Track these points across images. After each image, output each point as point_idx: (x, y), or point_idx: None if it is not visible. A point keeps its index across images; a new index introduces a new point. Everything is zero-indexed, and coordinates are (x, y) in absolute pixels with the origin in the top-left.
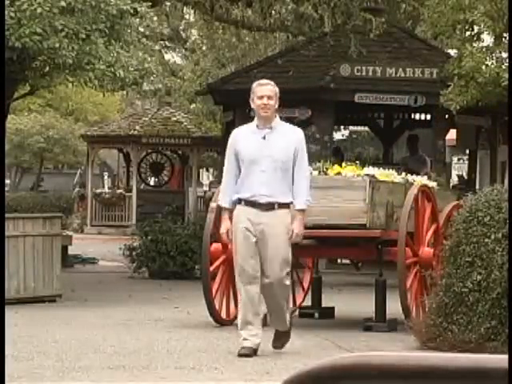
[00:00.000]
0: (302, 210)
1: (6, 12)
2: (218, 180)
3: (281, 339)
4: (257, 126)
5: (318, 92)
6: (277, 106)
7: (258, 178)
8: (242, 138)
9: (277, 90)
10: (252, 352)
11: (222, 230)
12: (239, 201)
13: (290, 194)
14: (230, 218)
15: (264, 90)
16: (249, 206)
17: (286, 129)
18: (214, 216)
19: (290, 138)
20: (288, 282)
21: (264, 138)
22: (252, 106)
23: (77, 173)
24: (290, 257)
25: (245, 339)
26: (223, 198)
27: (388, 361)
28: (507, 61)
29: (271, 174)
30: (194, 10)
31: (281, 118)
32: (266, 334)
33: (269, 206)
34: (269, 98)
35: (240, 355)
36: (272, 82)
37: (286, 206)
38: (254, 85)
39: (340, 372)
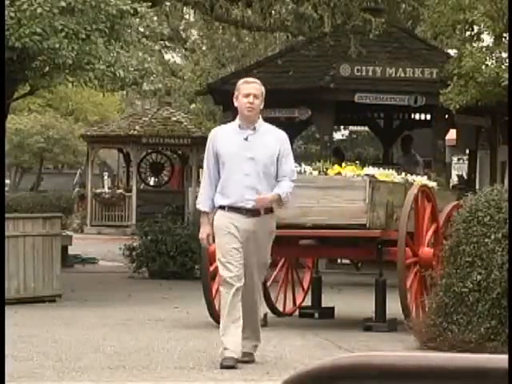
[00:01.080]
0: (279, 196)
1: (6, 12)
2: None
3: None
4: (239, 125)
5: (318, 92)
6: (262, 107)
7: (242, 183)
8: (222, 137)
9: (263, 89)
10: (235, 363)
11: (202, 235)
12: (222, 207)
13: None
14: (210, 223)
15: (250, 88)
16: (233, 211)
17: (269, 131)
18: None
19: (273, 141)
20: (261, 292)
21: (246, 139)
22: (236, 104)
23: (76, 173)
24: (268, 266)
25: (225, 348)
26: (203, 201)
27: (388, 361)
28: (507, 61)
29: (255, 178)
30: (194, 10)
31: (280, 118)
32: (265, 335)
33: (255, 212)
34: (255, 96)
35: (222, 367)
36: (258, 81)
37: (271, 210)
38: (240, 82)
39: (340, 372)
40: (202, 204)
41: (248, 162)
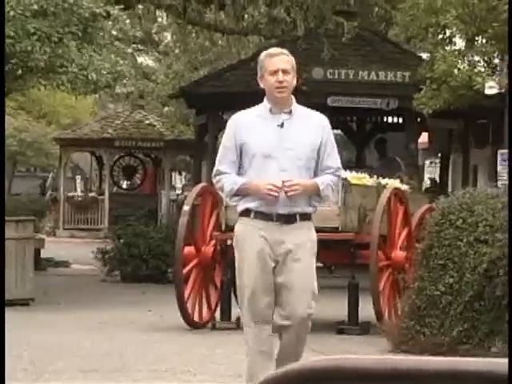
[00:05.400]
0: (317, 186)
1: None
2: (191, 183)
3: None
4: (270, 110)
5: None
6: (295, 83)
7: (275, 181)
8: (250, 125)
9: (293, 60)
10: None
11: (265, 186)
12: (246, 212)
13: (312, 200)
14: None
15: (278, 62)
16: (262, 218)
17: (307, 114)
18: (187, 219)
19: (314, 126)
20: (310, 323)
21: (282, 125)
22: (261, 85)
23: (49, 176)
24: (316, 294)
25: None
26: (231, 182)
27: (360, 364)
28: (479, 64)
29: (294, 174)
30: (167, 13)
31: None
32: (238, 337)
33: (289, 218)
34: (284, 72)
35: None
36: (285, 51)
37: (309, 216)
38: (263, 56)
39: (312, 375)
40: (233, 183)
41: (286, 155)
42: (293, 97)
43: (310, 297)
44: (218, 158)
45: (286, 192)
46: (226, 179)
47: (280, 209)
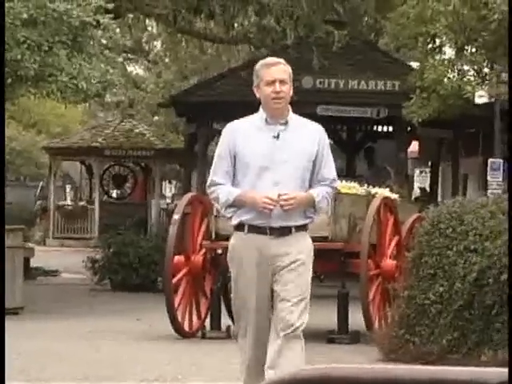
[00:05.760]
0: (312, 199)
1: None
2: (181, 192)
3: None
4: (266, 120)
5: None
6: (291, 93)
7: (271, 194)
8: (245, 135)
9: (290, 70)
10: None
11: (261, 200)
12: (239, 227)
13: (307, 212)
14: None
15: (275, 72)
16: (255, 232)
17: (303, 124)
18: (177, 228)
19: (310, 137)
20: (301, 336)
21: (277, 136)
22: (257, 95)
23: (39, 185)
24: (308, 305)
25: None
26: (226, 191)
27: (349, 373)
28: (469, 73)
29: (289, 187)
30: (157, 22)
31: None
32: (229, 347)
33: (284, 231)
34: (281, 82)
35: None
36: (282, 60)
37: (304, 227)
38: (259, 66)
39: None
40: (228, 194)
41: (281, 167)
42: (289, 107)
43: (303, 307)
44: (212, 168)
45: (281, 206)
46: (221, 190)
47: (273, 222)
